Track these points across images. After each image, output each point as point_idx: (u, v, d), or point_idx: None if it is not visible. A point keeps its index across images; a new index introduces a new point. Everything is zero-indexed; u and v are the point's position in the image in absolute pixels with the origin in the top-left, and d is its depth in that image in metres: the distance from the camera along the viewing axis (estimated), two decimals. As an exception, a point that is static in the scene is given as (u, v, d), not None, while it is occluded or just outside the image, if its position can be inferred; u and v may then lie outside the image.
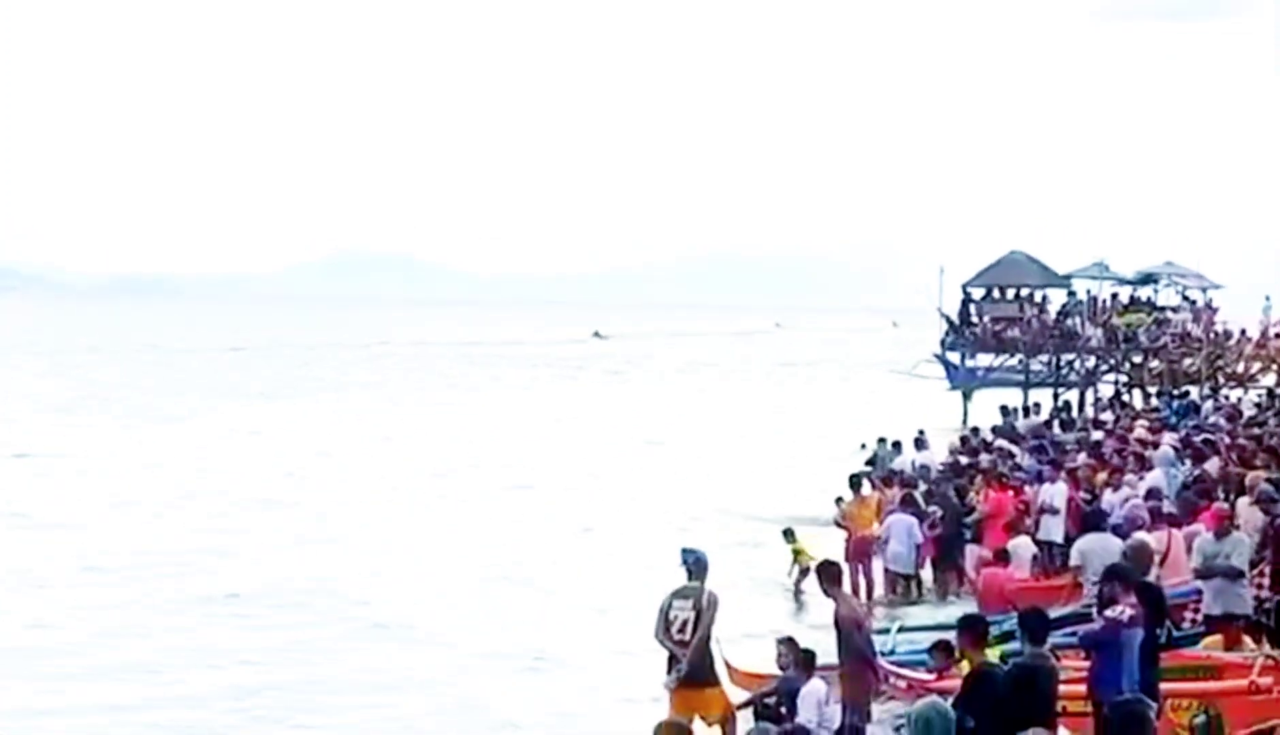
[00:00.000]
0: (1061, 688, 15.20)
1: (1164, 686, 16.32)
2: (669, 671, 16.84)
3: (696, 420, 67.63)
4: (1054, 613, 19.98)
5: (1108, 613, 15.31)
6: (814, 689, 16.73)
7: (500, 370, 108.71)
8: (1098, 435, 34.20)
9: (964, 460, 31.92)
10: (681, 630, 16.74)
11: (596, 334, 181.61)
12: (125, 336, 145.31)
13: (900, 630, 21.63)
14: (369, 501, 41.48)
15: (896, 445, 35.64)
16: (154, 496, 41.08)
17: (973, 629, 14.73)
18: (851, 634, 16.71)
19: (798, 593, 28.83)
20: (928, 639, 19.59)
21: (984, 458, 31.28)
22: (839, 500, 29.26)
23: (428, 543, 34.75)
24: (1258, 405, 42.81)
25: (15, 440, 53.25)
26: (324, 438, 57.74)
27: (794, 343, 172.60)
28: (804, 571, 29.28)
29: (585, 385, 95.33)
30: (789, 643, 17.63)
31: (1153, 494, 24.14)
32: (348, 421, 64.61)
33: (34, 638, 24.87)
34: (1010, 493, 27.44)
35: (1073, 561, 21.40)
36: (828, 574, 17.45)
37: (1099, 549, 20.35)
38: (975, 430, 38.51)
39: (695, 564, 17.03)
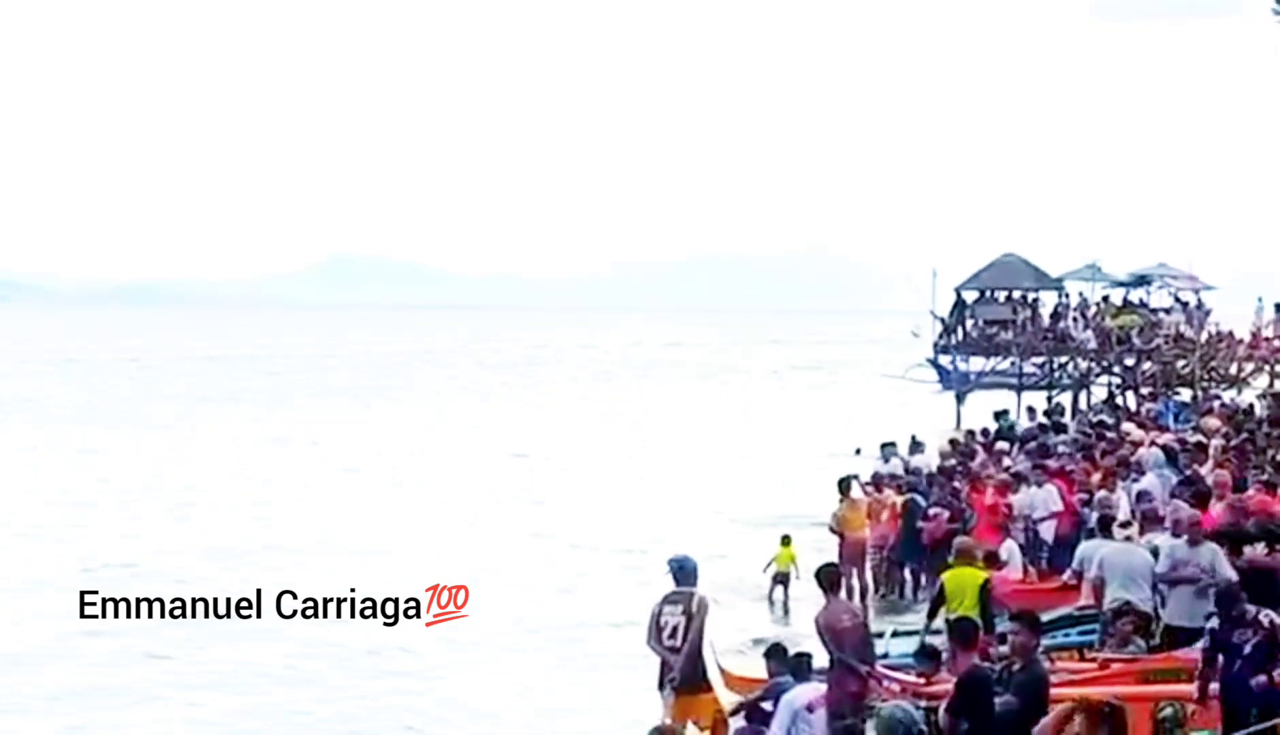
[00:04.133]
0: (1061, 690, 15.18)
1: (1163, 688, 16.29)
2: (661, 678, 16.77)
3: (685, 424, 67.65)
4: (1048, 615, 19.99)
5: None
6: (793, 696, 16.57)
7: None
8: (1112, 433, 33.92)
9: (955, 463, 31.81)
10: (672, 636, 16.65)
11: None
12: (115, 345, 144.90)
13: (894, 634, 21.57)
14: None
15: (888, 447, 35.56)
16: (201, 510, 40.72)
17: (962, 632, 14.66)
18: (826, 641, 16.60)
19: (771, 598, 28.88)
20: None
21: (976, 460, 31.19)
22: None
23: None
24: (1249, 410, 42.71)
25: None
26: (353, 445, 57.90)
27: (788, 346, 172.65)
28: (777, 578, 29.24)
29: (578, 387, 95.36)
30: (777, 653, 17.49)
31: (1143, 496, 24.02)
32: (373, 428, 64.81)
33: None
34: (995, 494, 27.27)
35: (1075, 566, 20.89)
36: (826, 578, 17.35)
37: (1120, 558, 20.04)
38: (971, 433, 38.43)
39: (681, 570, 16.97)
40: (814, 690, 16.63)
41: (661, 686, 16.78)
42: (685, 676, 16.59)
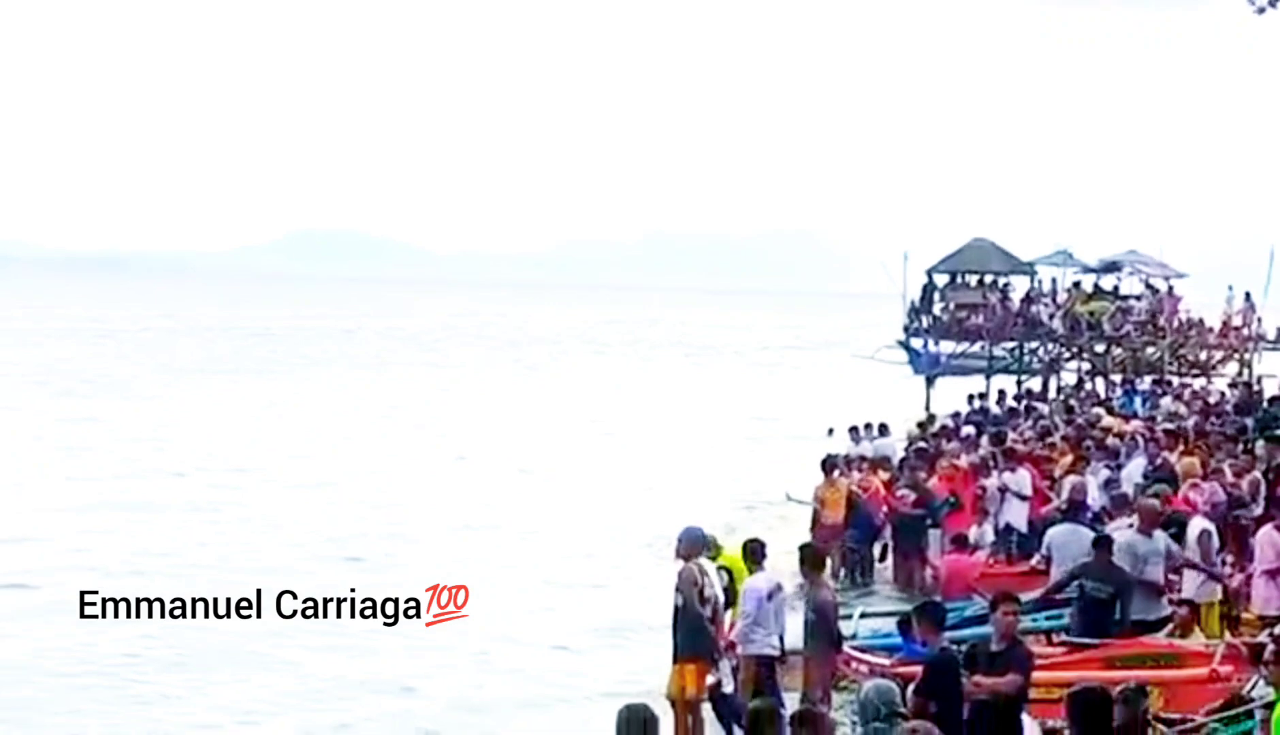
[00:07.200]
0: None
1: (1127, 674, 16.37)
2: (692, 648, 16.37)
3: (656, 405, 67.72)
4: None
5: None
6: (755, 583, 16.72)
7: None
8: (1092, 416, 34.08)
9: (925, 446, 31.96)
10: (706, 604, 16.47)
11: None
12: (90, 314, 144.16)
13: (863, 615, 21.71)
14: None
15: (854, 431, 35.62)
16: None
17: (930, 614, 14.78)
18: (831, 619, 16.66)
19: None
20: (889, 624, 19.79)
21: (947, 444, 31.31)
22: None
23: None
24: (1221, 393, 42.96)
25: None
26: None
27: (761, 327, 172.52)
28: None
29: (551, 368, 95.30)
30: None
31: (1111, 482, 24.15)
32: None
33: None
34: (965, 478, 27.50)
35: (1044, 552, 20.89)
36: (811, 558, 17.36)
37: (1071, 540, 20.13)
38: (932, 417, 38.56)
39: (702, 540, 16.83)
40: (767, 580, 16.84)
41: (694, 658, 16.46)
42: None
